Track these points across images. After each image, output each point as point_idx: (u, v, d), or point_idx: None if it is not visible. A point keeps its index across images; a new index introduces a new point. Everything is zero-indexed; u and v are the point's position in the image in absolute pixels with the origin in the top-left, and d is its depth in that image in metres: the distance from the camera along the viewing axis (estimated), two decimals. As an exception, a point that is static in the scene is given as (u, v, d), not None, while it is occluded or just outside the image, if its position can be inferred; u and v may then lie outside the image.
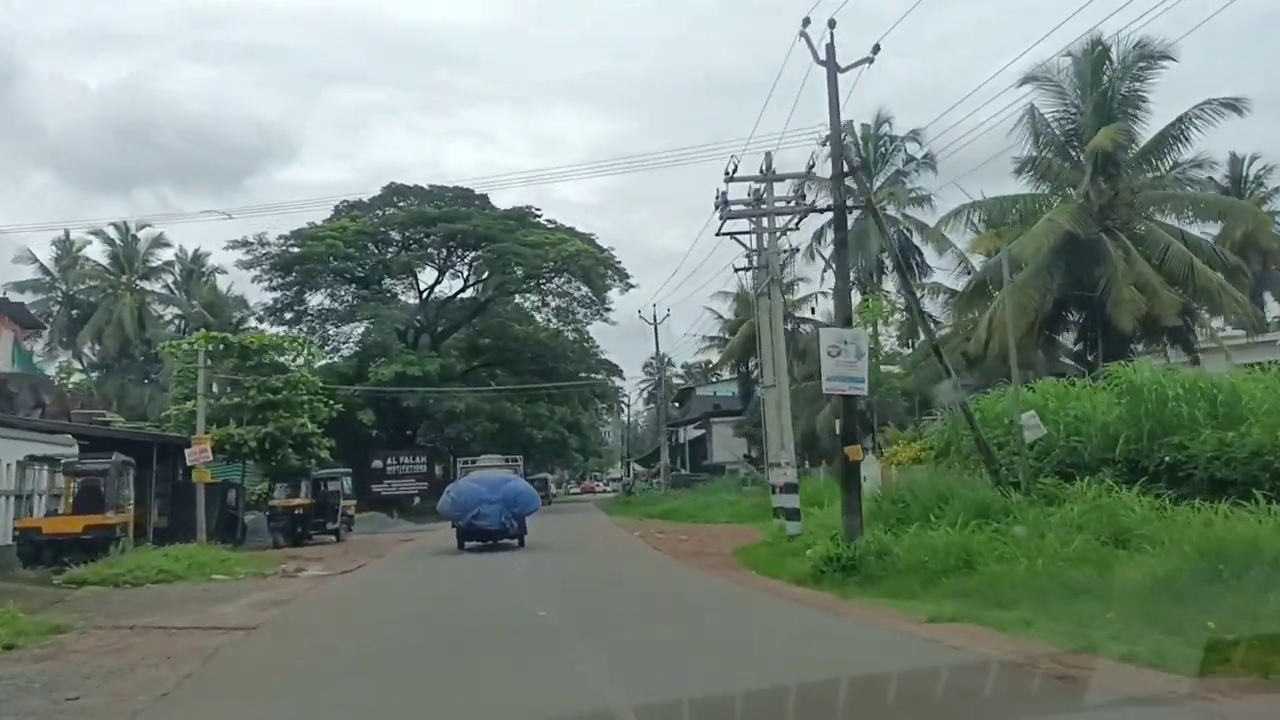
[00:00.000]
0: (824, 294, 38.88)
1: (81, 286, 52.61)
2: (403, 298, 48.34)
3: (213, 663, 8.30)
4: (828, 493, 23.70)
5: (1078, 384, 16.18)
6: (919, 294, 40.04)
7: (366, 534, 30.33)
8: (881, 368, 32.19)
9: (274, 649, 9.26)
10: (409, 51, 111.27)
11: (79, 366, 53.12)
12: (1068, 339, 27.60)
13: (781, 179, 19.92)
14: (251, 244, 44.84)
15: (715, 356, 52.99)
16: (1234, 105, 23.84)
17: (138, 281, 51.87)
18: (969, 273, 31.67)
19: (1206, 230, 26.72)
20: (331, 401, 30.84)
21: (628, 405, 68.65)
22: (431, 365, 41.77)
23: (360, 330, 47.29)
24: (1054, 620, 8.16)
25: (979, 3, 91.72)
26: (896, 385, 33.01)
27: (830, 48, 13.34)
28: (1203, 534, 9.95)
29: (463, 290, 49.05)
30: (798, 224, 20.97)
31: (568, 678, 7.15)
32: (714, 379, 62.36)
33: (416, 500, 42.66)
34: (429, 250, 46.81)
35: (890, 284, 39.22)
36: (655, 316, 49.93)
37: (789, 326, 29.97)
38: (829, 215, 33.05)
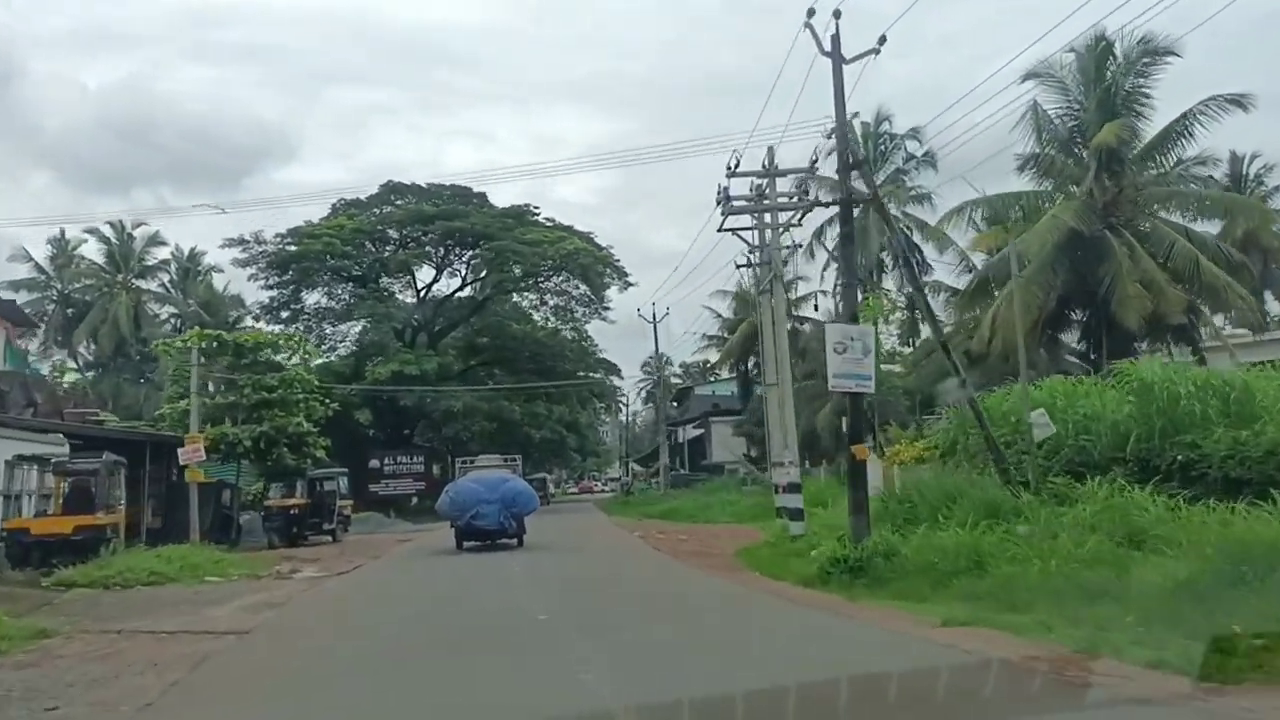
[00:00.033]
0: (824, 292, 38.69)
1: (77, 285, 52.31)
2: (400, 296, 48.05)
3: (201, 669, 8.01)
4: (829, 493, 23.52)
5: (1086, 382, 15.92)
6: (913, 296, 40.14)
7: (363, 534, 30.04)
8: (882, 367, 31.94)
9: (266, 654, 8.97)
10: (409, 51, 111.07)
11: (74, 366, 52.80)
12: (1070, 338, 27.41)
13: (784, 174, 19.65)
14: (248, 242, 44.56)
15: (714, 355, 52.85)
16: (1239, 101, 23.64)
17: (133, 280, 51.58)
18: (970, 271, 31.46)
19: (1207, 228, 26.55)
20: (328, 400, 30.53)
21: (626, 405, 68.42)
22: (429, 364, 41.47)
23: (357, 329, 47.04)
24: (1072, 624, 7.89)
25: (979, 2, 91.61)
26: (898, 384, 32.76)
27: (835, 39, 13.09)
28: (1222, 535, 9.72)
29: (460, 289, 48.81)
30: (800, 220, 20.70)
31: (568, 681, 6.93)
32: (712, 378, 62.14)
33: (414, 500, 42.37)
34: (426, 248, 46.50)
35: (890, 282, 39.09)
36: (654, 315, 49.70)
37: (789, 325, 29.66)
38: (829, 213, 32.98)
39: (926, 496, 13.33)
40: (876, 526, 12.82)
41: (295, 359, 31.73)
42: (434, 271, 47.99)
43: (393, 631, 10.11)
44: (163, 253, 52.96)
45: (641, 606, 11.57)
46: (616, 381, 55.39)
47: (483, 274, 47.31)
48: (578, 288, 47.56)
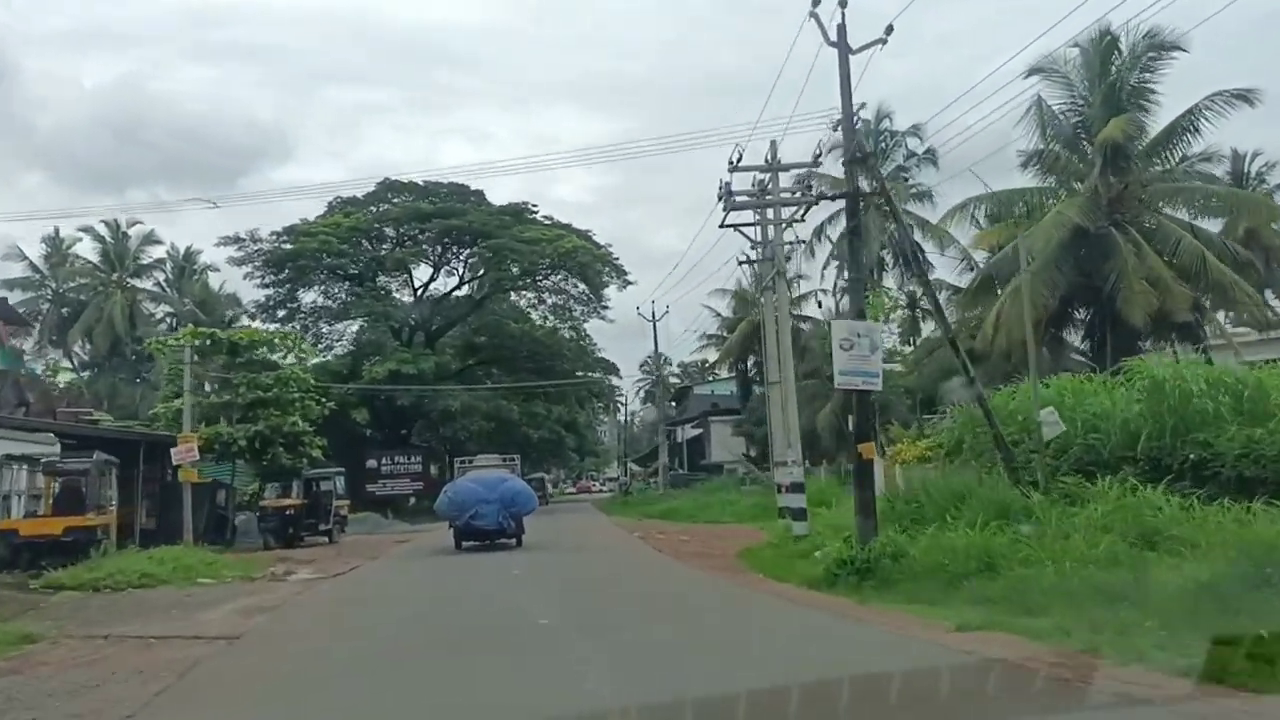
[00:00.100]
0: (825, 291, 38.45)
1: (71, 284, 52.01)
2: (397, 295, 47.77)
3: (189, 677, 7.73)
4: (829, 492, 23.31)
5: (1094, 379, 15.66)
6: (920, 291, 39.91)
7: (360, 535, 29.75)
8: (884, 365, 31.70)
9: (258, 661, 8.68)
10: (408, 51, 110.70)
11: (69, 365, 52.48)
12: (1072, 336, 27.17)
13: (787, 169, 19.37)
14: (243, 241, 44.24)
15: (713, 355, 52.55)
16: (1245, 96, 23.38)
17: (128, 279, 51.26)
18: (972, 269, 31.21)
19: (1209, 226, 26.32)
20: (324, 400, 30.26)
21: (625, 404, 68.20)
22: (426, 363, 41.20)
23: (354, 328, 46.75)
24: (1091, 628, 7.63)
25: (978, 2, 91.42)
26: (899, 383, 32.52)
27: (841, 29, 12.84)
28: (1240, 535, 9.48)
29: (458, 287, 48.52)
30: (803, 215, 20.41)
31: (570, 685, 6.73)
32: (711, 378, 61.89)
33: (411, 500, 42.09)
34: (424, 247, 46.20)
35: (891, 280, 38.86)
36: (654, 314, 49.42)
37: (790, 323, 29.39)
38: (830, 211, 32.76)
39: (934, 496, 13.07)
40: (883, 527, 12.56)
41: (291, 358, 31.42)
42: (431, 270, 47.77)
43: (390, 634, 9.90)
44: (158, 251, 52.72)
45: (644, 608, 11.36)
46: (615, 381, 55.22)
47: (480, 272, 47.03)
48: (576, 286, 47.30)
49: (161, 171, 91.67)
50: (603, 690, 6.42)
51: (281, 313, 45.42)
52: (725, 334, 46.50)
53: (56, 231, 51.75)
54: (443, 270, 47.77)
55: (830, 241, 36.86)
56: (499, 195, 48.32)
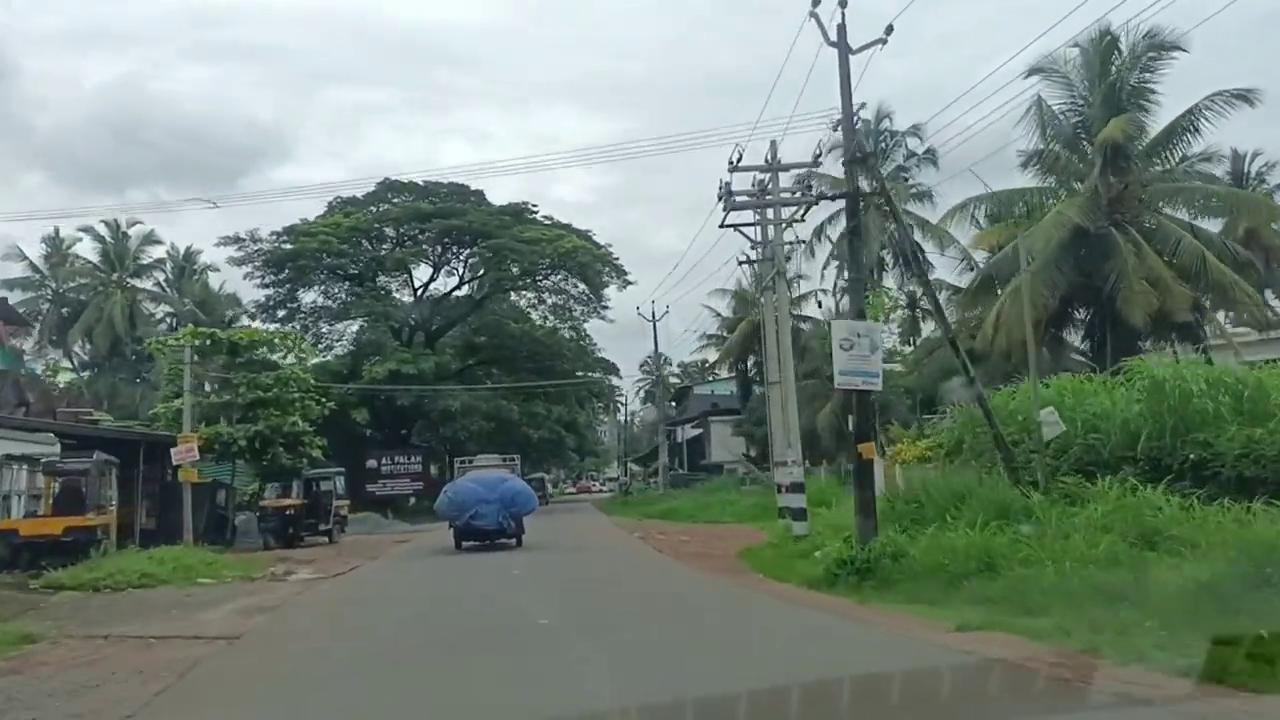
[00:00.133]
0: (824, 291, 38.45)
1: (71, 284, 52.00)
2: (397, 295, 47.75)
3: (189, 677, 7.71)
4: (829, 492, 23.31)
5: (1094, 379, 15.66)
6: (920, 291, 39.90)
7: (360, 535, 29.73)
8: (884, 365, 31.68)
9: (258, 661, 8.67)
10: (408, 51, 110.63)
11: (69, 365, 52.46)
12: (1072, 336, 27.16)
13: (787, 169, 19.35)
14: (243, 240, 44.22)
15: (713, 355, 52.55)
16: (1245, 96, 23.37)
17: (128, 279, 51.24)
18: (972, 269, 31.20)
19: (1209, 226, 26.32)
20: (324, 400, 30.24)
21: (625, 404, 68.18)
22: (426, 363, 41.18)
23: (354, 328, 46.72)
24: (1092, 628, 7.63)
25: (978, 2, 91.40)
26: (899, 383, 32.50)
27: (841, 29, 12.84)
28: (1241, 535, 9.47)
29: (458, 287, 48.50)
30: (804, 215, 20.39)
31: (571, 687, 6.67)
32: (711, 378, 61.88)
33: (411, 500, 42.07)
34: (424, 247, 46.18)
35: (891, 280, 38.85)
36: (654, 313, 49.42)
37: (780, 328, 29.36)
38: (830, 210, 32.74)
39: (934, 496, 13.06)
40: (883, 527, 12.55)
41: (291, 358, 31.41)
42: (431, 270, 47.75)
43: (390, 634, 9.87)
44: (158, 251, 52.70)
45: (645, 608, 11.33)
46: (615, 381, 55.19)
47: (480, 272, 47.01)
48: (576, 286, 47.28)
49: (161, 171, 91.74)
50: (603, 691, 6.40)
51: (281, 313, 45.42)
52: (725, 334, 46.49)
53: (56, 231, 51.80)
54: (443, 270, 47.81)
55: (830, 241, 36.85)
56: (499, 195, 48.46)
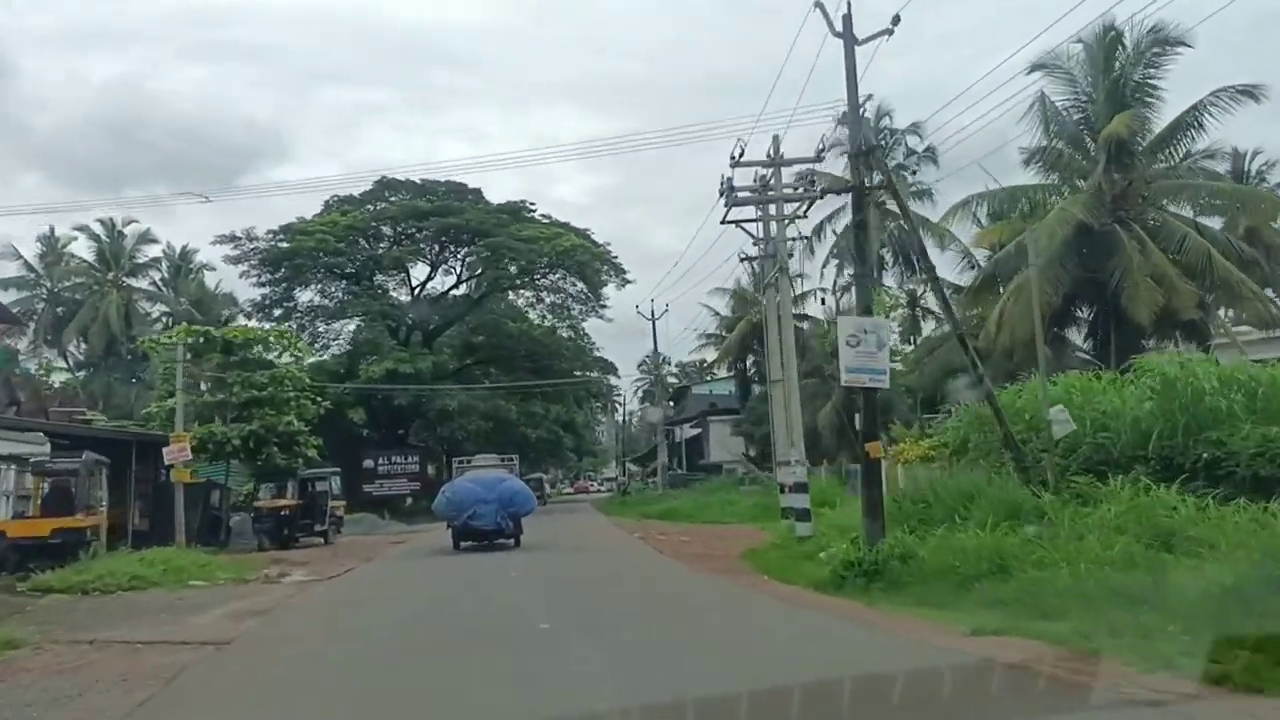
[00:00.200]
0: (824, 289, 38.21)
1: (67, 283, 51.64)
2: (394, 294, 47.48)
3: (174, 685, 7.41)
4: (830, 492, 23.04)
5: (1103, 377, 15.40)
6: (920, 290, 39.71)
7: (357, 535, 29.45)
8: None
9: (247, 669, 8.36)
10: (408, 51, 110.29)
11: (64, 365, 52.09)
12: (1075, 335, 26.95)
13: (790, 164, 19.08)
14: (239, 239, 43.91)
15: (711, 354, 52.30)
16: (1250, 92, 23.19)
17: (124, 278, 50.90)
18: (973, 267, 30.99)
19: (1210, 224, 26.13)
20: (320, 399, 29.93)
21: (623, 404, 67.91)
22: (424, 363, 40.90)
23: (351, 327, 46.42)
24: (1112, 632, 7.36)
25: (979, 2, 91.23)
26: (900, 382, 32.22)
27: (847, 19, 12.60)
28: (1261, 537, 9.20)
29: (456, 286, 48.23)
30: (806, 211, 20.15)
31: (572, 692, 6.41)
32: (709, 377, 61.64)
33: (408, 501, 41.78)
34: (421, 245, 45.91)
35: (891, 279, 38.61)
36: (653, 312, 49.16)
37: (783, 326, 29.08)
38: (829, 209, 32.55)
39: (942, 496, 12.80)
40: (890, 528, 12.28)
41: (287, 356, 31.08)
42: (429, 269, 47.52)
43: (385, 639, 9.59)
44: (154, 250, 52.37)
45: (648, 611, 11.09)
46: (613, 381, 54.92)
47: (478, 271, 46.74)
48: (574, 285, 47.01)
49: (159, 171, 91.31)
50: (614, 697, 6.24)
51: (278, 312, 45.13)
52: (724, 333, 46.25)
53: (51, 230, 51.46)
54: (440, 269, 47.56)
55: (835, 234, 36.49)
56: (497, 195, 47.93)
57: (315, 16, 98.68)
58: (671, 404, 64.34)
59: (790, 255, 22.20)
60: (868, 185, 13.00)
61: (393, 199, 45.53)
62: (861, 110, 12.31)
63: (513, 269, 45.13)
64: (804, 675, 6.31)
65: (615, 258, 46.67)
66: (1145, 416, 13.07)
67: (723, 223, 19.79)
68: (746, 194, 19.32)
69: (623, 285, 47.35)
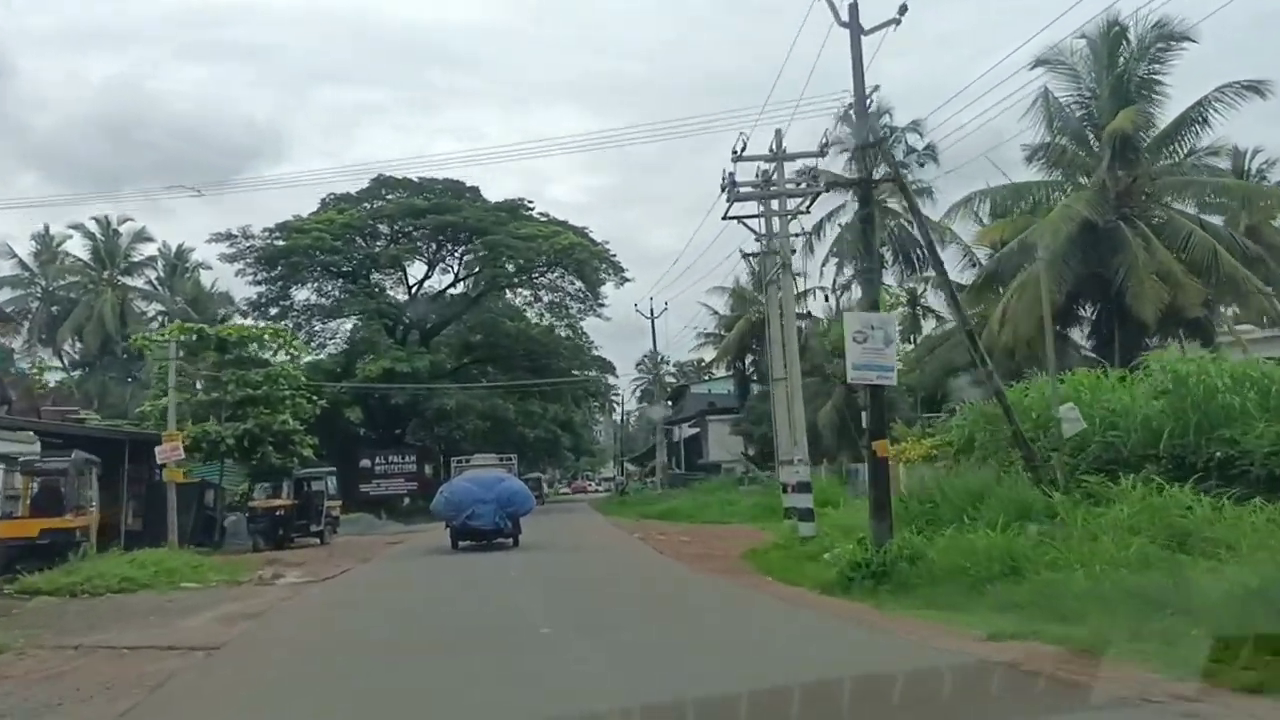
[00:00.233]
0: (822, 288, 37.98)
1: (62, 282, 51.22)
2: (391, 293, 47.19)
3: (160, 694, 7.11)
4: (831, 491, 22.80)
5: (1111, 375, 15.16)
6: (921, 289, 39.47)
7: (353, 536, 29.17)
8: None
9: (236, 676, 8.05)
10: (407, 51, 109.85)
11: (58, 364, 51.70)
12: (1078, 334, 26.73)
13: (792, 158, 18.80)
14: (235, 237, 43.57)
15: (710, 354, 52.05)
16: (1256, 88, 22.94)
17: (119, 277, 50.49)
18: (974, 265, 30.76)
19: (1212, 221, 25.91)
20: (315, 398, 29.62)
21: (621, 404, 67.65)
22: (421, 362, 40.60)
23: (348, 326, 46.13)
24: (1134, 637, 7.10)
25: (979, 2, 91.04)
26: (901, 381, 31.96)
27: (854, 8, 12.31)
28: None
29: (453, 285, 47.96)
30: (809, 207, 19.86)
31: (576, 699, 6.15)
32: (707, 377, 61.40)
33: (406, 500, 41.50)
34: (418, 243, 45.63)
35: (890, 278, 38.35)
36: (652, 310, 48.90)
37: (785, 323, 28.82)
38: (829, 207, 32.25)
39: (949, 496, 12.54)
40: (896, 528, 12.02)
41: (282, 354, 30.76)
42: (426, 267, 47.26)
43: (381, 644, 9.32)
44: (149, 249, 51.95)
45: (652, 614, 10.85)
46: (611, 380, 54.66)
47: (476, 270, 46.46)
48: (573, 284, 46.73)
49: (157, 171, 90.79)
50: (611, 696, 6.12)
51: (274, 310, 44.82)
52: (723, 332, 46.00)
53: (46, 229, 51.07)
54: (437, 267, 47.27)
55: (840, 228, 36.16)
56: (495, 194, 47.59)
57: (314, 16, 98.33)
58: (670, 403, 64.11)
59: (793, 251, 21.90)
60: (875, 179, 12.73)
61: (390, 197, 45.22)
62: (869, 103, 12.03)
63: (510, 267, 44.83)
64: (823, 681, 6.05)
65: (614, 256, 46.45)
66: (1156, 415, 12.84)
67: (724, 218, 19.53)
68: (749, 189, 19.04)
69: (621, 284, 47.13)
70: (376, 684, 7.00)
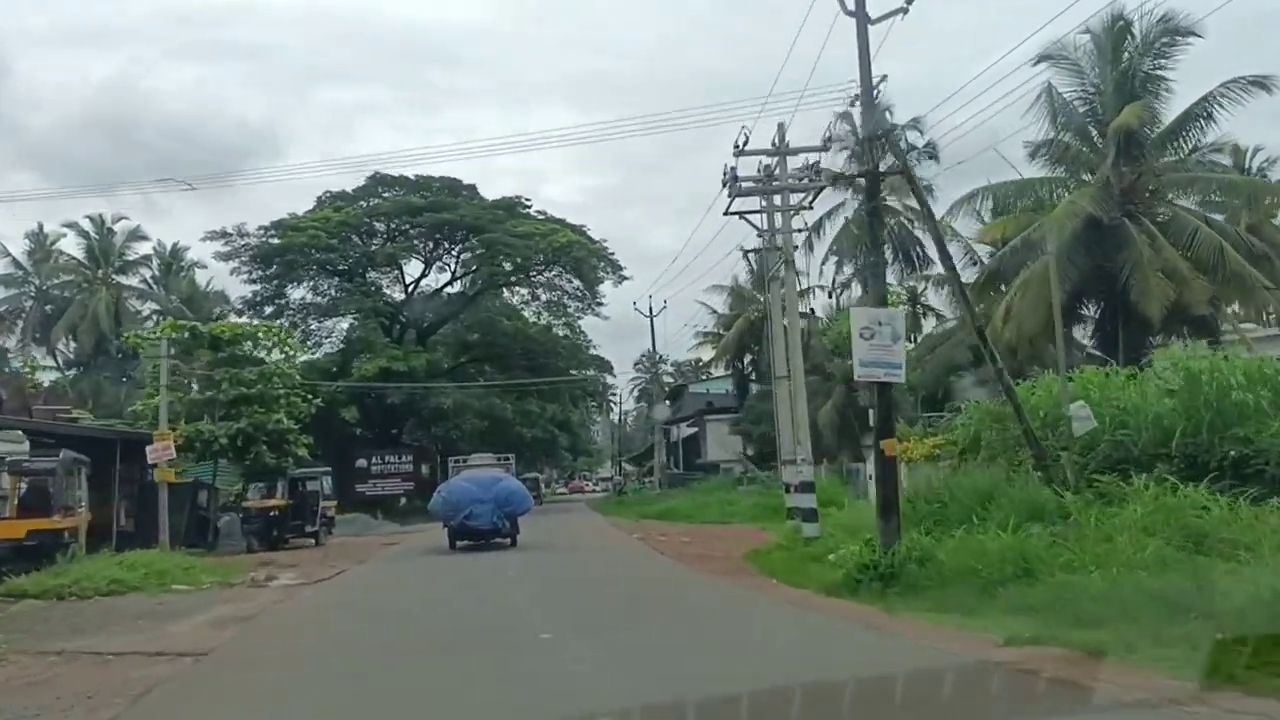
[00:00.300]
0: (821, 286, 37.72)
1: (55, 281, 50.85)
2: (388, 291, 46.86)
3: (143, 704, 6.81)
4: (833, 491, 22.55)
5: (1120, 373, 14.92)
6: (921, 287, 39.21)
7: (348, 536, 28.87)
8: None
9: (224, 684, 7.75)
10: (406, 51, 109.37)
11: (52, 364, 51.29)
12: (1080, 332, 26.50)
13: (795, 152, 18.51)
14: (230, 235, 43.23)
15: (708, 353, 51.78)
16: (1262, 83, 22.67)
17: (114, 276, 50.13)
18: (975, 263, 30.51)
19: (1214, 219, 25.68)
20: (311, 397, 29.31)
21: (619, 403, 67.38)
22: (418, 361, 40.30)
23: (344, 325, 45.82)
24: (1157, 643, 6.84)
25: (980, 1, 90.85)
26: (903, 380, 31.72)
27: (859, -4, 12.02)
28: (1304, 538, 8.71)
29: (450, 283, 47.63)
30: (812, 201, 19.57)
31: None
32: (705, 376, 61.14)
33: (402, 501, 41.19)
34: (415, 242, 45.31)
35: (891, 276, 38.05)
36: (651, 308, 48.62)
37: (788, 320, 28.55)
38: (829, 206, 31.97)
39: (958, 495, 12.28)
40: (904, 529, 11.75)
41: (277, 353, 30.43)
42: (423, 265, 46.94)
43: (377, 649, 9.05)
44: (144, 248, 51.60)
45: (656, 617, 10.58)
46: (609, 379, 54.39)
47: (473, 268, 46.15)
48: (570, 282, 46.44)
49: (154, 171, 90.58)
50: (613, 697, 6.01)
51: (269, 309, 44.46)
52: (721, 331, 45.74)
53: (40, 227, 50.69)
54: (434, 266, 46.97)
55: (846, 219, 35.83)
56: (492, 193, 47.26)
57: (313, 16, 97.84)
58: (668, 403, 63.84)
59: (795, 247, 21.61)
60: (882, 171, 12.46)
61: (386, 195, 44.90)
62: (876, 93, 11.76)
63: (508, 266, 44.54)
64: (839, 690, 5.77)
65: (612, 254, 46.15)
66: (1167, 413, 12.59)
67: (726, 214, 19.24)
68: (750, 184, 18.76)
69: (619, 282, 46.85)
70: (371, 686, 6.81)
